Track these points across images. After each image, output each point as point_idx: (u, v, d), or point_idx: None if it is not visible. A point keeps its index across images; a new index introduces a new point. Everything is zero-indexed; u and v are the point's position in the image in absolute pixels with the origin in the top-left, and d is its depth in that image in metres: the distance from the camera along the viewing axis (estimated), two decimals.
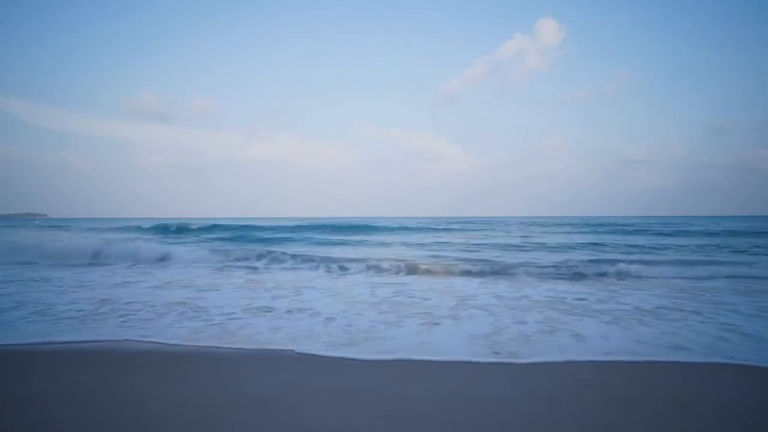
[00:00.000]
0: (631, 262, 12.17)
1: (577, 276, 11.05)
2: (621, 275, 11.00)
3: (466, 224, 39.84)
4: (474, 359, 4.59)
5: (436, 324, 6.08)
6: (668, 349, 4.91)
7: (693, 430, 3.00)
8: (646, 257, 14.32)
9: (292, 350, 4.85)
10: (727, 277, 10.77)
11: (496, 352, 4.81)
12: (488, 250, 17.37)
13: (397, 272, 11.60)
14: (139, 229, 31.48)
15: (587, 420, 3.13)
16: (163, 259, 13.73)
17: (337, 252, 16.46)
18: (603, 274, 11.13)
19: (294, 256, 13.81)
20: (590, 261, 12.49)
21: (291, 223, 38.33)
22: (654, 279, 10.56)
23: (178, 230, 29.80)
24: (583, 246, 18.53)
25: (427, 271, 11.69)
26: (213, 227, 30.91)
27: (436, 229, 32.66)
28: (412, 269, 11.85)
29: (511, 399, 3.52)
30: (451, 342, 5.21)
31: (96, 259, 13.81)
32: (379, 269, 11.89)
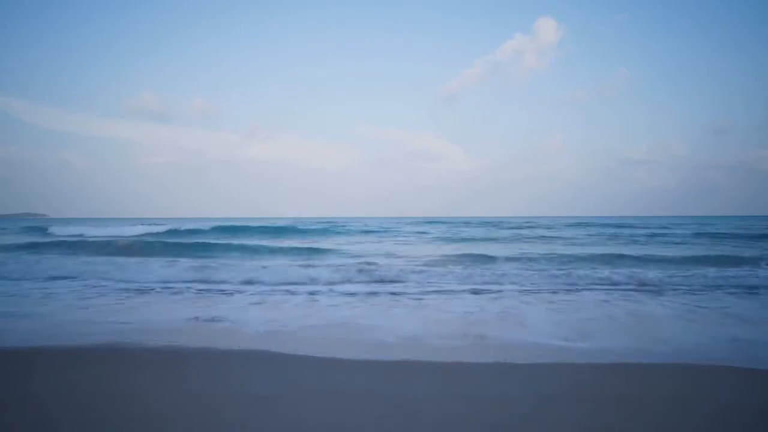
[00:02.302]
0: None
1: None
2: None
3: (454, 225, 39.45)
4: (474, 359, 4.59)
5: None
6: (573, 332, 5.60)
7: (693, 430, 3.00)
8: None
9: (291, 351, 4.85)
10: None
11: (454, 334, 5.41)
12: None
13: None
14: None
15: (587, 420, 3.12)
16: None
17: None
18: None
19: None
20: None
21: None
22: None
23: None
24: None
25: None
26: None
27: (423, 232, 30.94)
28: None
29: (511, 399, 3.52)
30: (406, 324, 5.95)
31: None
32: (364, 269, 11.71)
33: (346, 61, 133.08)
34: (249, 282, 10.01)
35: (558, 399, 3.49)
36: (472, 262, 13.53)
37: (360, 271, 11.18)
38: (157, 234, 26.93)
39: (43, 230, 30.33)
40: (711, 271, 11.05)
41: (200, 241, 21.68)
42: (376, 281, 10.18)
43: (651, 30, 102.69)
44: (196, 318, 6.49)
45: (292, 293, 8.68)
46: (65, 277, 10.40)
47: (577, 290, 8.98)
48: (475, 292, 8.82)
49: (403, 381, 3.94)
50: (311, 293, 8.67)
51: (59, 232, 28.52)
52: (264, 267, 11.82)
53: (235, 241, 20.78)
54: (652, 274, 10.66)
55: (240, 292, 8.85)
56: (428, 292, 8.79)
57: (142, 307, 7.41)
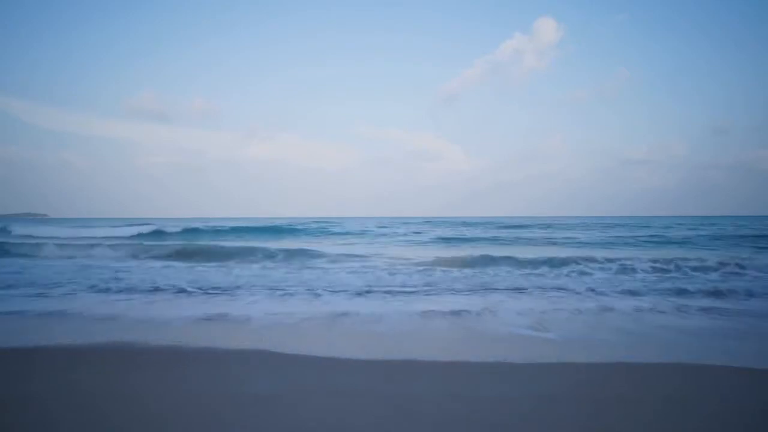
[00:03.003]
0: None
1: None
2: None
3: (453, 225, 39.44)
4: (474, 359, 4.59)
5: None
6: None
7: (693, 430, 3.00)
8: None
9: (291, 351, 4.85)
10: None
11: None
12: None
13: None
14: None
15: (587, 420, 3.12)
16: None
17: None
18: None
19: None
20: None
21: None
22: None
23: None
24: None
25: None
26: None
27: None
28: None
29: (511, 399, 3.52)
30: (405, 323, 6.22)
31: None
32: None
33: (346, 61, 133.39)
34: (247, 282, 10.01)
35: (558, 399, 3.50)
36: (471, 261, 13.55)
37: (358, 271, 11.18)
38: (133, 236, 26.29)
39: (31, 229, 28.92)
40: (709, 271, 11.09)
41: (193, 241, 21.60)
42: (374, 281, 10.19)
43: (651, 30, 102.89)
44: (195, 318, 6.49)
45: (290, 294, 8.68)
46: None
47: (576, 290, 8.98)
48: (474, 291, 8.83)
49: (403, 381, 3.94)
50: (309, 292, 8.67)
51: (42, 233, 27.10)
52: (261, 267, 11.86)
53: (231, 242, 20.75)
54: (647, 272, 10.68)
55: (237, 292, 8.84)
56: (426, 292, 8.79)
57: (138, 308, 7.41)
